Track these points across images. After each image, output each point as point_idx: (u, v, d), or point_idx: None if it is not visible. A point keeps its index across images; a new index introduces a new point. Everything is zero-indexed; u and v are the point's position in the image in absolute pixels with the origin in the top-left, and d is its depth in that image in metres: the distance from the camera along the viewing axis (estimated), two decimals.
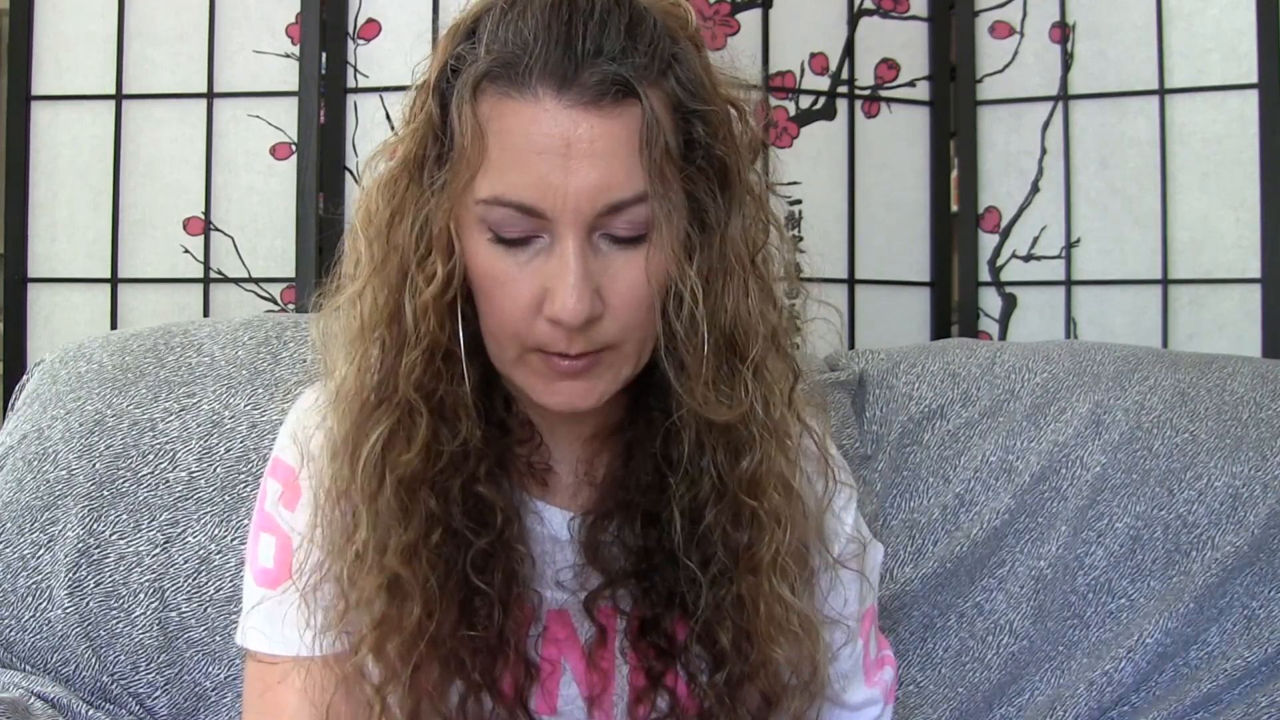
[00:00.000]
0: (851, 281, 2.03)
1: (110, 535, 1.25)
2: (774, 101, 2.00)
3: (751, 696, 0.81)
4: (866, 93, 2.04)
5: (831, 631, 0.85)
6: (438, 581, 0.75)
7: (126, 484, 1.27)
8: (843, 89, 2.02)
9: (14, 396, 1.39)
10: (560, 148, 0.68)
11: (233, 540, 1.24)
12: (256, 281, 1.99)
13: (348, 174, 1.97)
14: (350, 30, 1.98)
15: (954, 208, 2.11)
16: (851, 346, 2.02)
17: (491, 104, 0.70)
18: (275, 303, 1.99)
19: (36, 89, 1.99)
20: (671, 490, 0.78)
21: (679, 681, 0.83)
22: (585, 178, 0.68)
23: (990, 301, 2.07)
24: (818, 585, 0.84)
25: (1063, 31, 2.02)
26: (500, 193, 0.69)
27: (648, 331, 0.74)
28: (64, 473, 1.27)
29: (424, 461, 0.74)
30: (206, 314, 1.98)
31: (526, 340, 0.72)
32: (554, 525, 0.82)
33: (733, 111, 0.76)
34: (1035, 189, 2.04)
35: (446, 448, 0.75)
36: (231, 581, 1.22)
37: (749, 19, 1.98)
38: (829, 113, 2.02)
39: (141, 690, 1.23)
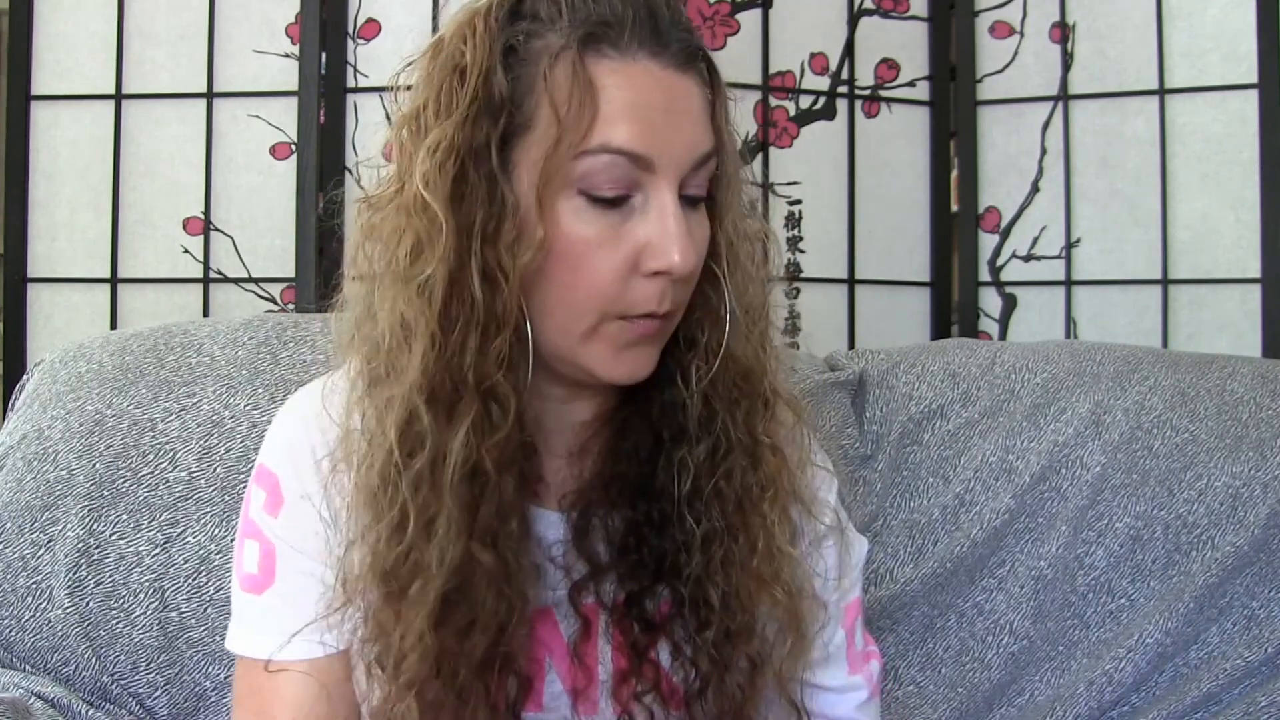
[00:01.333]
0: (851, 281, 2.03)
1: (110, 535, 1.25)
2: (774, 101, 2.00)
3: (739, 660, 0.82)
4: (866, 93, 2.04)
5: (811, 607, 0.87)
6: (511, 567, 0.75)
7: (126, 484, 1.27)
8: (843, 89, 2.02)
9: (14, 396, 1.39)
10: (663, 103, 0.74)
11: (233, 540, 1.24)
12: (256, 281, 1.99)
13: (348, 174, 1.97)
14: (350, 30, 1.98)
15: (954, 208, 2.11)
16: (851, 346, 2.03)
17: (593, 64, 0.73)
18: (275, 303, 1.99)
19: (36, 89, 2.00)
20: (675, 456, 0.81)
21: (662, 656, 0.83)
22: (684, 132, 0.75)
23: (990, 301, 2.07)
24: (802, 550, 0.87)
25: (1063, 31, 2.02)
26: (610, 140, 0.72)
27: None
28: (64, 473, 1.27)
29: (504, 447, 0.74)
30: (206, 314, 1.98)
31: (615, 305, 0.74)
32: (540, 527, 0.83)
33: (732, 107, 0.82)
34: (1035, 189, 2.04)
35: (515, 434, 0.75)
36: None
37: (749, 19, 1.98)
38: (829, 113, 2.02)
39: (141, 690, 1.23)
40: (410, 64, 0.78)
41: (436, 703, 0.75)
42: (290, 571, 0.81)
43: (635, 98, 0.73)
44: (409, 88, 0.78)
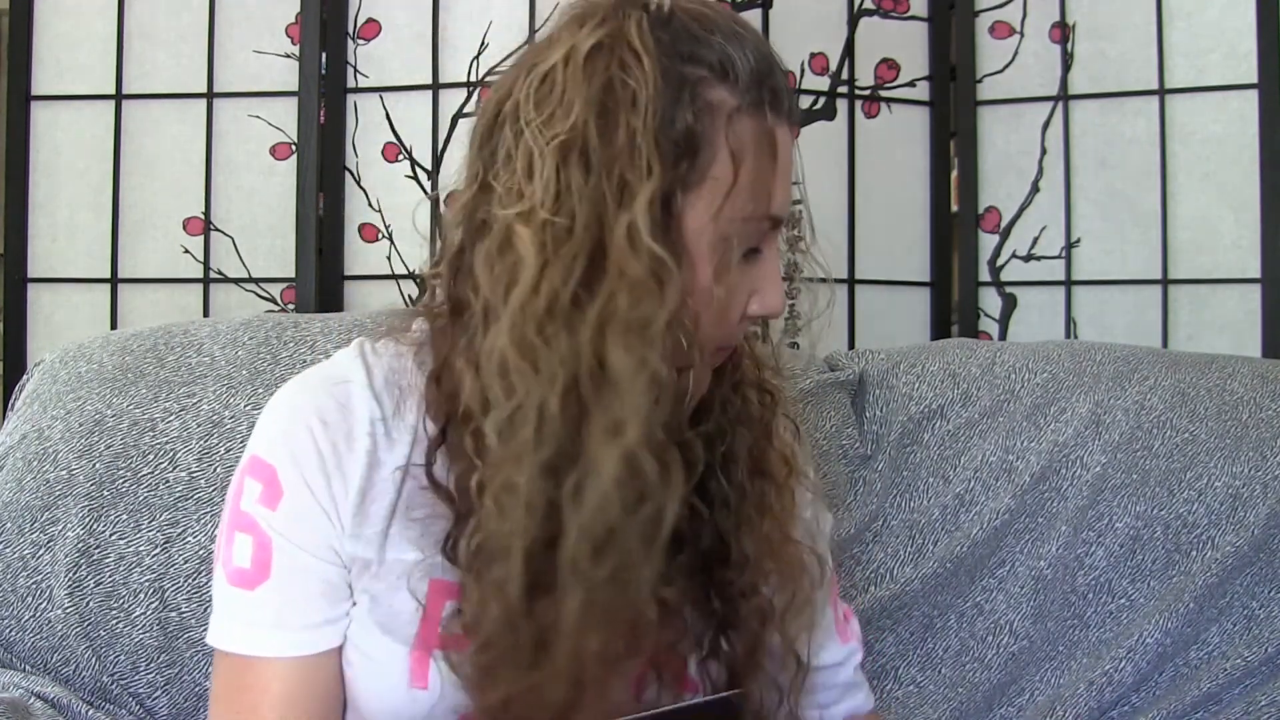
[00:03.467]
0: (851, 281, 2.03)
1: (110, 535, 1.25)
2: None
3: (752, 618, 0.85)
4: (866, 93, 2.04)
5: (813, 563, 0.91)
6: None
7: (126, 484, 1.27)
8: (843, 89, 2.02)
9: (14, 396, 1.39)
10: (788, 165, 0.80)
11: None
12: (256, 281, 1.99)
13: (348, 174, 1.97)
14: (350, 30, 1.98)
15: (954, 208, 2.11)
16: (851, 346, 2.02)
17: (764, 128, 0.76)
18: (275, 303, 1.99)
19: (36, 89, 2.00)
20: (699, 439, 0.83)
21: (686, 612, 0.84)
22: (789, 192, 0.81)
23: (990, 301, 2.07)
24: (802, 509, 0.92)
25: (1063, 31, 2.02)
26: (772, 209, 0.77)
27: None
28: (64, 473, 1.27)
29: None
30: (206, 314, 1.98)
31: (728, 341, 0.81)
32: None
33: None
34: (1035, 189, 2.04)
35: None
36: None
37: (749, 19, 1.98)
38: (829, 113, 2.02)
39: (141, 690, 1.23)
40: (518, 51, 0.79)
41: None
42: (286, 567, 0.79)
43: (784, 164, 0.78)
44: (494, 93, 0.78)
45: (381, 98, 1.97)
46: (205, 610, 1.23)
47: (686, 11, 0.76)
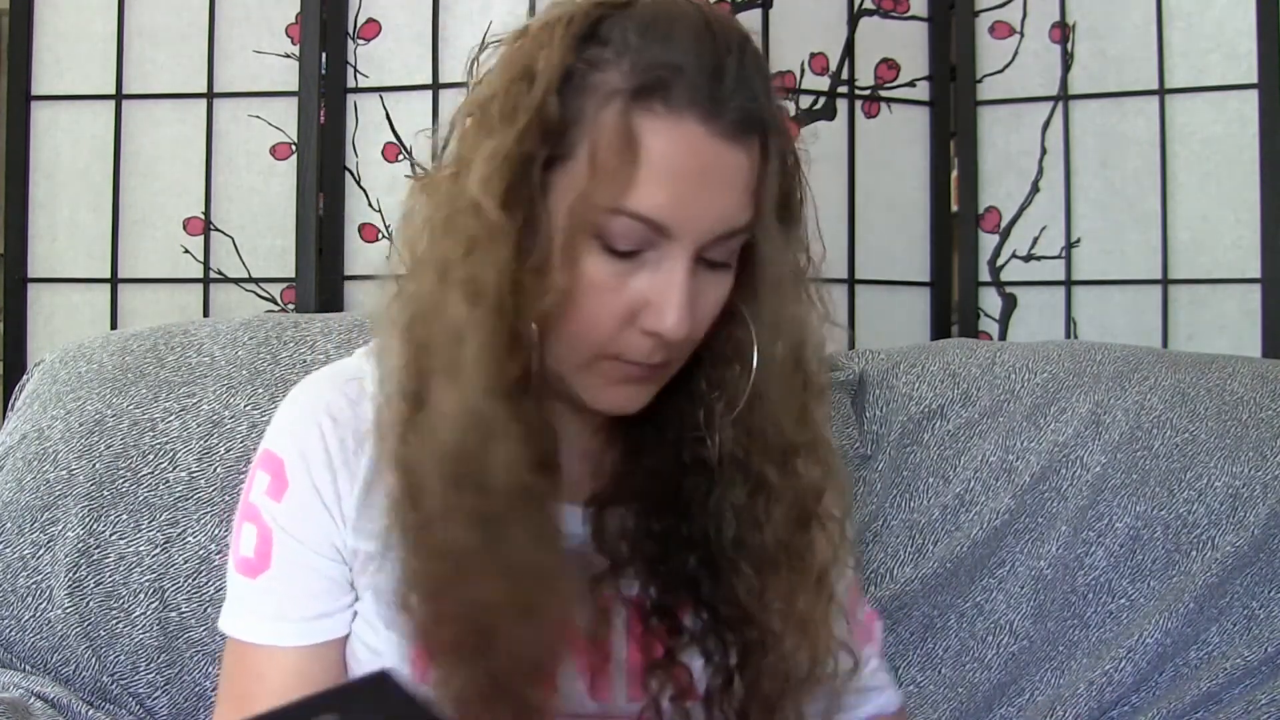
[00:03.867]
0: (851, 281, 2.03)
1: (110, 535, 1.25)
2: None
3: (769, 685, 0.83)
4: (866, 93, 2.04)
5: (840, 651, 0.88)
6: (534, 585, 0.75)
7: (126, 484, 1.27)
8: (843, 89, 2.02)
9: (14, 396, 1.39)
10: (699, 173, 0.71)
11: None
12: (256, 281, 1.99)
13: (348, 174, 1.97)
14: (350, 30, 1.98)
15: (954, 208, 2.11)
16: (851, 346, 2.02)
17: (639, 118, 0.71)
18: (275, 303, 1.99)
19: (36, 89, 2.00)
20: (696, 488, 0.81)
21: (694, 661, 0.84)
22: (714, 205, 0.72)
23: (990, 301, 2.07)
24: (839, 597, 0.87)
25: (1063, 31, 2.02)
26: (635, 206, 0.71)
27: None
28: (64, 473, 1.27)
29: (538, 470, 0.74)
30: (206, 314, 1.98)
31: (607, 348, 0.75)
32: (561, 519, 0.83)
33: (792, 144, 0.80)
34: (1035, 189, 2.04)
35: (541, 450, 0.75)
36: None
37: (749, 19, 1.98)
38: (829, 113, 2.02)
39: (141, 690, 1.23)
40: (496, 42, 0.77)
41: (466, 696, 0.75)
42: (285, 559, 0.81)
43: (672, 165, 0.70)
44: (476, 83, 0.76)
45: (381, 98, 1.97)
46: (205, 610, 1.23)
47: (651, 6, 0.73)
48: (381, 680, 0.58)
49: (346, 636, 0.82)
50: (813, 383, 0.82)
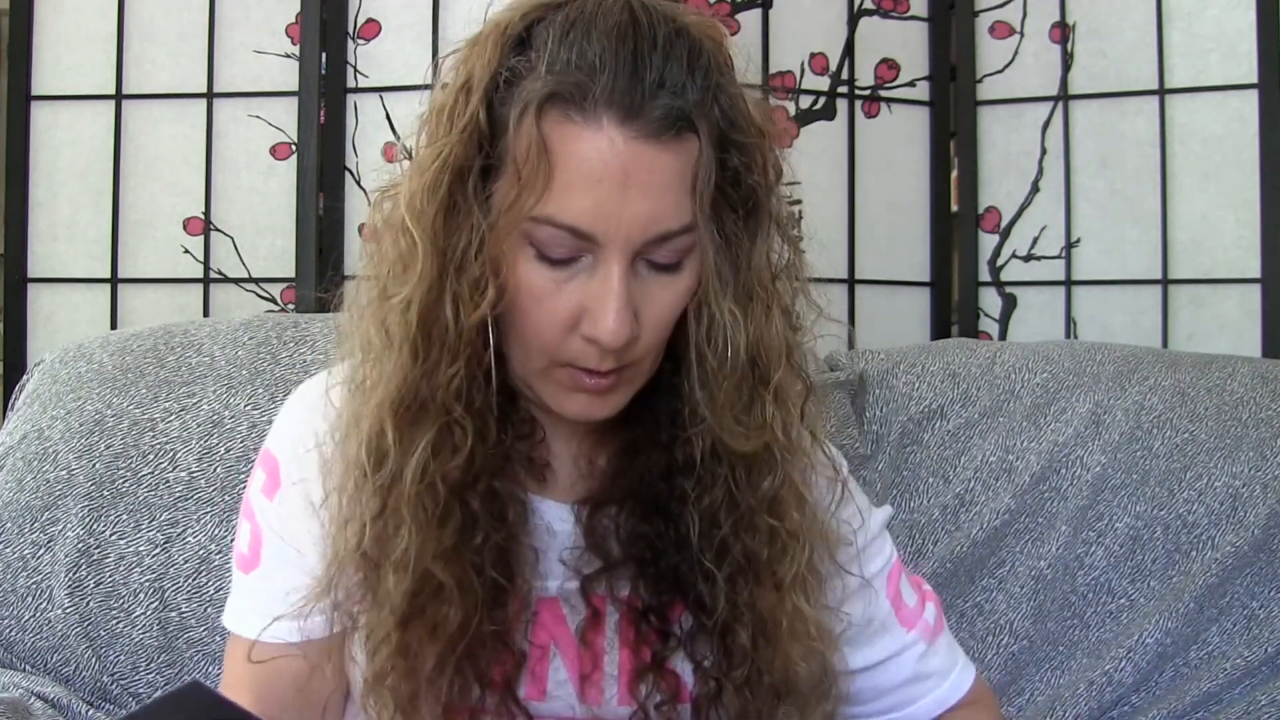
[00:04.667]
0: (851, 281, 2.03)
1: (110, 535, 1.25)
2: (774, 101, 2.00)
3: (764, 692, 0.82)
4: (866, 93, 2.04)
5: (840, 650, 0.87)
6: (472, 582, 0.76)
7: (126, 484, 1.27)
8: (843, 89, 2.02)
9: (14, 396, 1.39)
10: (620, 177, 0.69)
11: (233, 540, 1.24)
12: (256, 281, 1.99)
13: (348, 174, 1.97)
14: (350, 30, 1.98)
15: (954, 208, 2.11)
16: (851, 346, 2.02)
17: (553, 126, 0.70)
18: (275, 303, 1.99)
19: (36, 89, 1.99)
20: (684, 491, 0.80)
21: (683, 666, 0.83)
22: (640, 208, 0.70)
23: (990, 301, 2.07)
24: (827, 589, 0.86)
25: (1063, 31, 2.02)
26: (555, 215, 0.70)
27: (663, 346, 0.77)
28: (64, 473, 1.27)
29: (466, 468, 0.75)
30: (206, 314, 1.98)
31: (558, 356, 0.74)
32: (548, 517, 0.83)
33: (764, 143, 0.77)
34: (1035, 189, 2.04)
35: (479, 452, 0.76)
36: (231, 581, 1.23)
37: (749, 19, 1.98)
38: (829, 113, 2.02)
39: (141, 690, 1.23)
40: (455, 52, 0.77)
41: (413, 690, 0.77)
42: (273, 558, 0.83)
43: (592, 171, 0.69)
44: (444, 85, 0.76)
45: (381, 98, 1.97)
46: (205, 610, 1.23)
47: (580, 5, 0.73)
48: (194, 689, 0.59)
49: (341, 634, 0.82)
50: (780, 387, 0.79)
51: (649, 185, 0.70)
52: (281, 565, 0.82)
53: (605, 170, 0.69)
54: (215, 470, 1.27)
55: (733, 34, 1.97)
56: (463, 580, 0.75)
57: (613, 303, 0.71)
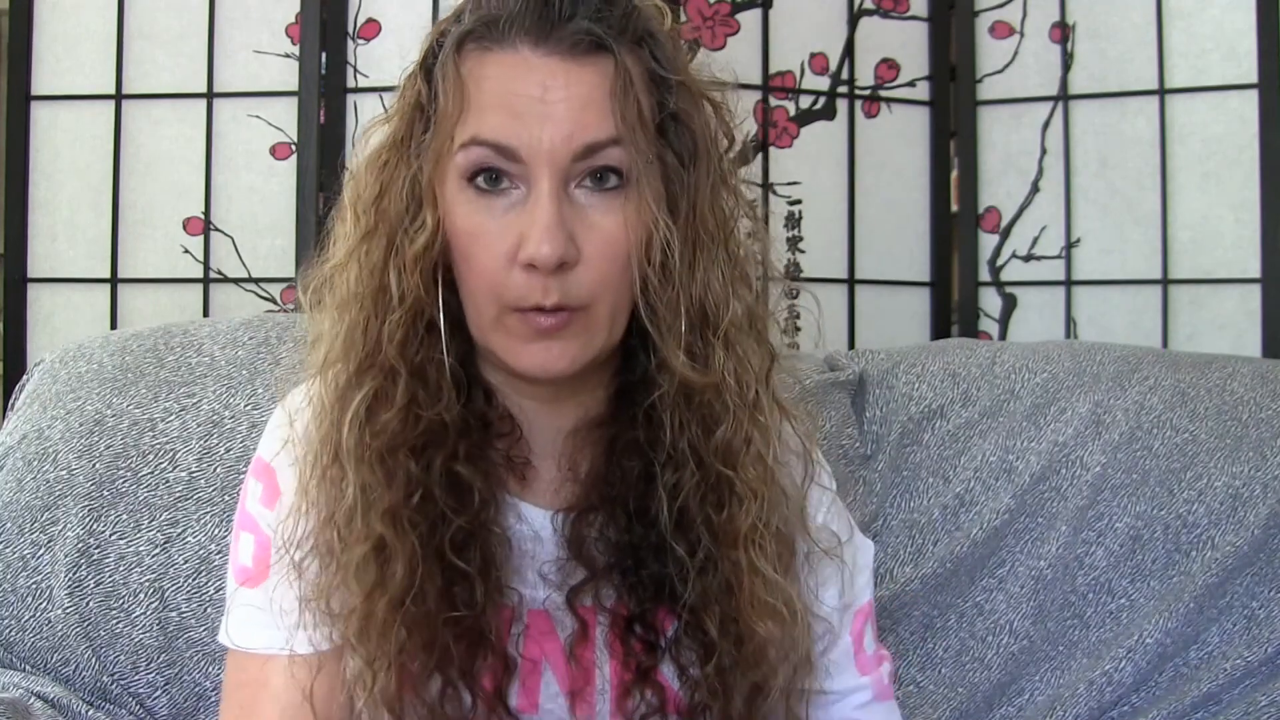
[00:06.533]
0: (851, 281, 2.03)
1: (110, 535, 1.25)
2: (774, 101, 2.00)
3: (742, 685, 0.81)
4: (866, 93, 2.04)
5: (813, 626, 0.86)
6: (419, 545, 0.76)
7: (126, 484, 1.27)
8: (843, 89, 2.02)
9: (14, 396, 1.39)
10: (538, 93, 0.72)
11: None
12: (256, 281, 1.99)
13: (348, 174, 1.97)
14: (350, 30, 1.98)
15: (954, 208, 2.11)
16: (851, 346, 2.02)
17: (473, 59, 0.75)
18: (275, 303, 1.99)
19: (36, 89, 1.99)
20: (658, 479, 0.80)
21: (668, 676, 0.83)
22: (560, 122, 0.72)
23: (990, 301, 2.07)
24: (799, 570, 0.85)
25: (1063, 31, 2.02)
26: (479, 133, 0.73)
27: (621, 296, 0.76)
28: (64, 473, 1.27)
29: (403, 424, 0.76)
30: (206, 314, 1.98)
31: (504, 296, 0.74)
32: (535, 523, 0.83)
33: (707, 106, 0.79)
34: (1035, 189, 2.04)
35: (425, 413, 0.76)
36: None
37: (749, 19, 1.98)
38: (829, 113, 2.02)
39: (141, 690, 1.23)
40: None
41: (417, 675, 0.77)
42: (284, 566, 0.81)
43: (505, 88, 0.73)
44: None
45: (381, 98, 1.97)
46: (205, 610, 1.23)
47: None
48: None
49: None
50: (730, 338, 0.78)
51: (568, 99, 0.72)
52: (294, 573, 0.80)
53: (522, 87, 0.73)
54: (215, 470, 1.27)
55: (733, 34, 1.98)
56: (408, 542, 0.76)
57: (542, 218, 0.72)
